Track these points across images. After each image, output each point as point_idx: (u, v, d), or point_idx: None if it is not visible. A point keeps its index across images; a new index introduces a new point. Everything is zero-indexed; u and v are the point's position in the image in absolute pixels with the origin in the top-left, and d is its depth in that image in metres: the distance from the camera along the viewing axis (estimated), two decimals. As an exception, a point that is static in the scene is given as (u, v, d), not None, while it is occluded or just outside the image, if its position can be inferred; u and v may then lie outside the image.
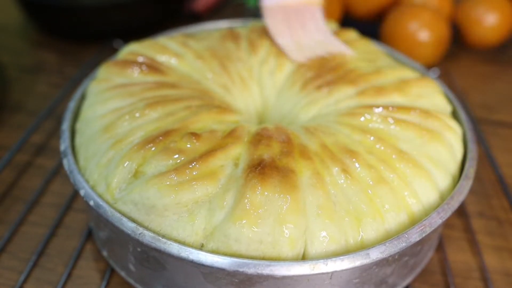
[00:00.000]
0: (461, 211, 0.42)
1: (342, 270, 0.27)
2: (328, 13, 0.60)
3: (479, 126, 0.52)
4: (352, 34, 0.46)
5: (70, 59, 0.61)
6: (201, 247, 0.28)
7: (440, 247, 0.39)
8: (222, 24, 0.51)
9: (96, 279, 0.36)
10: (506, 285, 0.37)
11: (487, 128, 0.52)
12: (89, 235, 0.39)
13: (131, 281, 0.34)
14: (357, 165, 0.31)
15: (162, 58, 0.41)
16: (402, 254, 0.30)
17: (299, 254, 0.28)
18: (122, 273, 0.34)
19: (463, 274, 0.37)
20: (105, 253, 0.36)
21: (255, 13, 0.70)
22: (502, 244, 0.40)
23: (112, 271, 0.36)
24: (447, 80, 0.59)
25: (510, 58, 0.65)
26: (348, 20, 0.65)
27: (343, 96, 0.37)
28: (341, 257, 0.27)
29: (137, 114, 0.34)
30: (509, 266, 0.38)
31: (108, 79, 0.38)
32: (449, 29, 0.59)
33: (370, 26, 0.63)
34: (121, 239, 0.32)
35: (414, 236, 0.29)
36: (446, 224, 0.41)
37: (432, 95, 0.39)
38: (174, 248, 0.27)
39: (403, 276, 0.34)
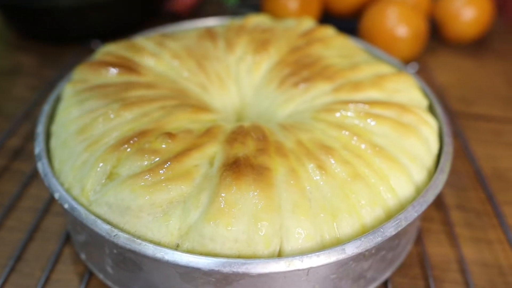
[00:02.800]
0: (439, 204, 0.43)
1: (318, 266, 0.27)
2: (306, 10, 0.61)
3: (458, 120, 0.53)
4: (329, 31, 0.46)
5: (48, 61, 0.60)
6: (176, 247, 0.28)
7: (419, 240, 0.39)
8: (200, 23, 0.51)
9: (74, 282, 0.35)
10: (483, 275, 0.37)
11: (465, 122, 0.53)
12: (67, 238, 0.38)
13: (110, 283, 0.34)
14: (332, 161, 0.31)
15: (139, 58, 0.40)
16: (378, 248, 0.31)
17: (274, 252, 0.28)
18: (101, 276, 0.34)
19: (441, 266, 0.38)
20: (83, 256, 0.36)
21: (235, 11, 0.70)
22: (480, 236, 0.40)
23: (91, 274, 0.36)
24: (426, 74, 0.60)
25: (488, 52, 0.65)
26: (327, 17, 0.65)
27: (319, 93, 0.37)
28: (317, 253, 0.27)
29: (112, 116, 0.34)
30: (486, 257, 0.38)
31: (83, 81, 0.38)
32: (427, 24, 0.59)
33: (350, 23, 0.64)
34: (97, 242, 0.31)
35: (390, 230, 0.29)
36: (425, 217, 0.41)
37: (408, 90, 0.39)
38: (149, 249, 0.27)
39: (381, 270, 0.34)
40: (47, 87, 0.54)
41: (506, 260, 0.38)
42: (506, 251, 0.39)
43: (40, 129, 0.36)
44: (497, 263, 0.38)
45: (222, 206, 0.27)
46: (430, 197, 0.32)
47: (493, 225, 0.41)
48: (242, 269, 0.26)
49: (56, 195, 0.31)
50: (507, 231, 0.39)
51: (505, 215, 0.41)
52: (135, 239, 0.27)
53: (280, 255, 0.28)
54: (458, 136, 0.50)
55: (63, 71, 0.56)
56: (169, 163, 0.29)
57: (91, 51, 0.59)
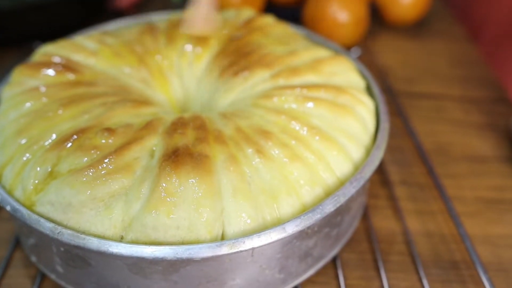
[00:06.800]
0: (384, 181, 0.44)
1: (261, 246, 0.28)
2: (249, 1, 0.61)
3: (400, 99, 0.55)
4: (268, 19, 0.47)
5: (-12, 66, 0.58)
6: (121, 239, 0.28)
7: (366, 216, 0.41)
8: (141, 19, 0.51)
9: (26, 286, 0.35)
10: (427, 245, 0.39)
11: (408, 101, 0.55)
12: (17, 243, 0.38)
13: (62, 283, 0.34)
14: (270, 144, 0.32)
15: (78, 57, 0.40)
16: (320, 225, 0.32)
17: (217, 236, 0.29)
18: (52, 276, 0.34)
19: (388, 239, 0.39)
20: (33, 259, 0.35)
21: (180, 6, 0.70)
22: (423, 208, 0.42)
23: (43, 275, 0.36)
24: (369, 58, 0.61)
25: (429, 33, 0.68)
26: (271, 6, 0.66)
27: (259, 80, 0.38)
28: (258, 234, 0.28)
29: (51, 115, 0.34)
30: (429, 227, 0.40)
31: (21, 83, 0.38)
32: (368, 9, 0.61)
33: (293, 11, 0.65)
34: (44, 242, 0.31)
35: (329, 207, 0.30)
36: (371, 195, 0.43)
37: (345, 72, 0.40)
38: (94, 243, 0.27)
39: (328, 247, 0.35)
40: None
41: (448, 229, 0.40)
42: (447, 220, 0.41)
43: (-21, 134, 0.35)
44: (439, 232, 0.40)
45: (162, 195, 0.28)
46: (367, 173, 0.33)
47: (435, 197, 0.43)
48: (185, 255, 0.27)
49: (-2, 199, 0.31)
50: (447, 201, 0.41)
51: (445, 186, 0.43)
52: (79, 235, 0.28)
53: (223, 239, 0.29)
54: (400, 114, 0.52)
55: (3, 75, 0.55)
56: (109, 157, 0.30)
57: (32, 53, 0.58)
